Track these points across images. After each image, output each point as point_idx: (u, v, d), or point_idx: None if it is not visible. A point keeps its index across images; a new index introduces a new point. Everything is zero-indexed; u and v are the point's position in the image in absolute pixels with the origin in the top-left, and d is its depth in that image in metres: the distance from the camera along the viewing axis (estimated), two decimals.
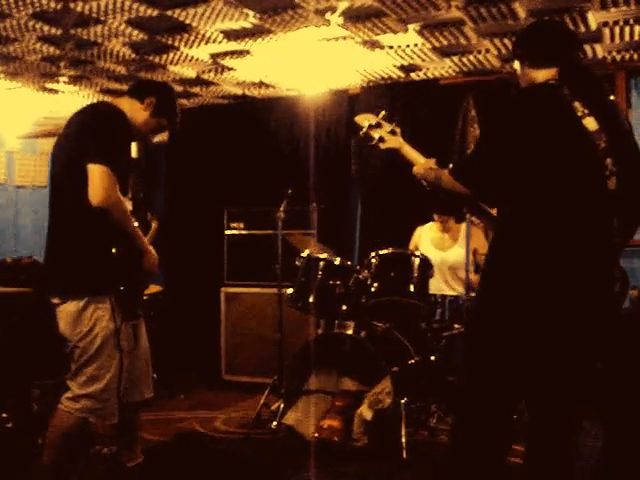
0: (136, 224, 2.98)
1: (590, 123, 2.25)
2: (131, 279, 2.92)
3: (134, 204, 3.11)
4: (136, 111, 3.03)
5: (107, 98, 5.88)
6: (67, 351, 2.85)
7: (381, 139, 2.78)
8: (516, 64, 2.53)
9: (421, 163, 2.62)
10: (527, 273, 2.22)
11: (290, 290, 4.27)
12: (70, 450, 2.85)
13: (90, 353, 2.79)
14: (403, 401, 3.91)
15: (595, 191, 2.24)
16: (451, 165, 2.42)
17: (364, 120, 2.83)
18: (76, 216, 2.79)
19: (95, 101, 3.08)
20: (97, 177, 2.68)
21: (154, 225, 3.50)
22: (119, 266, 2.81)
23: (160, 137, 6.58)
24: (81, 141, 2.79)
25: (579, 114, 2.25)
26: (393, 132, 2.78)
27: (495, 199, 2.40)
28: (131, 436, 3.31)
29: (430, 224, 4.99)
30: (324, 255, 4.25)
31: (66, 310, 2.81)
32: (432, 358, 4.35)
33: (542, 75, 2.39)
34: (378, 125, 2.79)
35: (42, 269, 3.06)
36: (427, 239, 4.92)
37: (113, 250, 2.78)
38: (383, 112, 2.85)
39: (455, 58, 4.92)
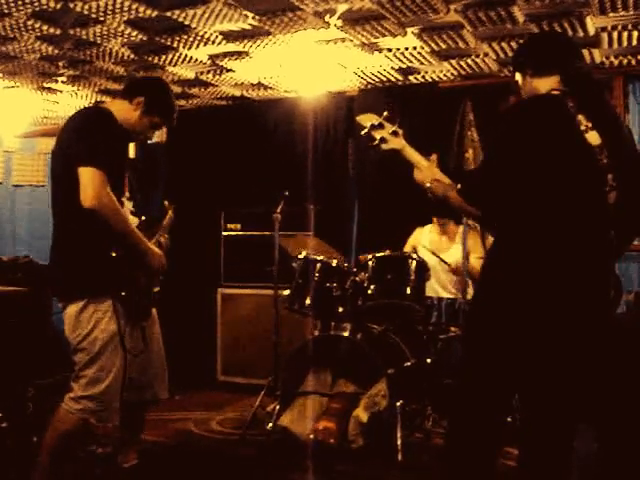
0: (136, 222, 2.98)
1: (593, 137, 2.26)
2: (133, 280, 2.92)
3: (135, 205, 3.09)
4: (127, 112, 3.02)
5: (105, 98, 5.89)
6: (70, 353, 2.86)
7: (383, 140, 2.76)
8: (517, 76, 2.53)
9: (424, 165, 2.62)
10: (524, 279, 2.23)
11: (287, 292, 4.28)
12: (67, 449, 2.86)
13: (91, 355, 2.79)
14: (399, 403, 3.91)
15: (595, 205, 2.26)
16: (459, 186, 2.41)
17: (366, 120, 2.80)
18: (72, 221, 2.80)
19: (85, 106, 3.06)
20: (86, 179, 2.69)
21: (170, 213, 3.48)
22: (118, 268, 2.81)
23: (158, 137, 6.60)
24: (70, 146, 2.81)
25: (582, 128, 2.25)
26: (395, 133, 2.76)
27: (501, 214, 2.41)
28: (132, 436, 3.31)
29: (429, 226, 5.00)
30: (321, 257, 4.25)
31: (68, 313, 2.83)
32: (428, 361, 4.35)
33: (545, 84, 2.39)
34: (380, 126, 2.78)
35: (46, 269, 3.08)
36: (426, 241, 4.94)
37: (113, 253, 2.78)
38: (386, 112, 2.83)
39: (454, 61, 4.93)
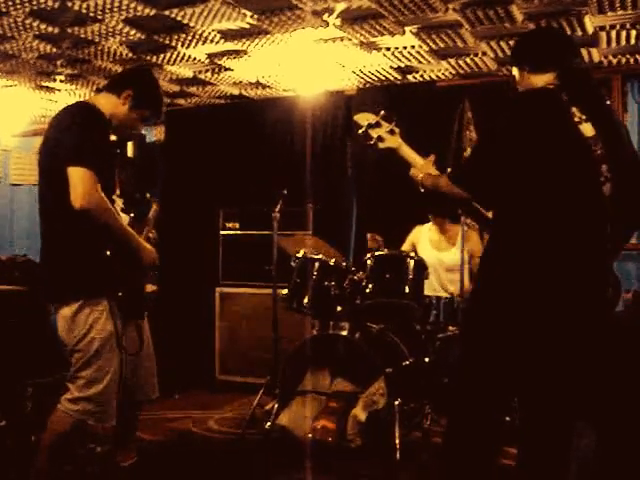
0: (127, 220, 2.97)
1: (587, 129, 2.27)
2: (128, 278, 2.91)
3: (126, 202, 3.08)
4: (115, 106, 2.92)
5: None
6: (66, 354, 2.84)
7: (380, 138, 2.77)
8: (514, 70, 2.54)
9: (420, 164, 2.63)
10: (521, 276, 2.23)
11: (285, 291, 4.28)
12: (65, 449, 2.85)
13: (87, 356, 2.76)
14: (397, 402, 3.91)
15: (590, 197, 2.26)
16: (450, 170, 2.42)
17: (363, 119, 2.81)
18: (63, 221, 2.75)
19: (70, 103, 2.97)
20: (76, 179, 2.64)
21: (154, 207, 3.47)
22: (113, 267, 2.80)
23: (156, 136, 6.60)
24: (58, 145, 2.75)
25: (576, 120, 2.26)
26: (392, 132, 2.77)
27: (493, 202, 2.41)
28: (128, 435, 3.31)
29: (429, 225, 5.00)
30: (319, 256, 4.25)
31: (62, 315, 2.79)
32: (426, 360, 4.35)
33: (541, 80, 2.40)
34: (377, 124, 2.79)
35: (37, 271, 3.04)
36: (426, 239, 4.93)
37: (107, 252, 2.76)
38: (382, 111, 2.84)
39: (452, 60, 4.93)
